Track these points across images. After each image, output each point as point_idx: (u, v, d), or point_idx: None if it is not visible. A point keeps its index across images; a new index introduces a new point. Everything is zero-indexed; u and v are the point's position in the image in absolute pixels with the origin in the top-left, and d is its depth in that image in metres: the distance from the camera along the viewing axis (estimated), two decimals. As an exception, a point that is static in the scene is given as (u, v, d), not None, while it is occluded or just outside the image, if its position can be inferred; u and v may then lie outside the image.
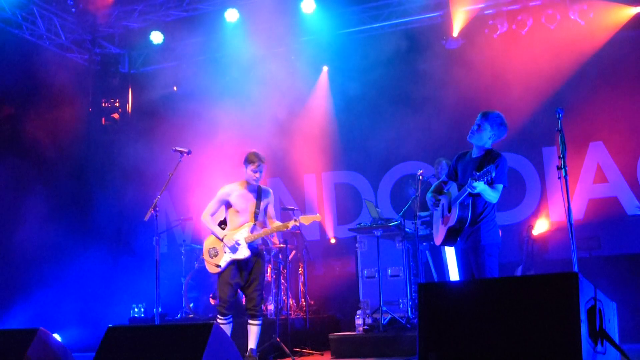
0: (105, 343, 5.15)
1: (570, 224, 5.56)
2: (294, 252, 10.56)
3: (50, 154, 11.74)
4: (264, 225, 7.56)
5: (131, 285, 11.34)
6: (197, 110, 11.58)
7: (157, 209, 6.97)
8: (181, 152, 7.22)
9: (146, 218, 7.03)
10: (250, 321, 7.49)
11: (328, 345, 8.80)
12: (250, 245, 7.34)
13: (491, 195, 5.86)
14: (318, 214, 7.63)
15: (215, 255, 7.44)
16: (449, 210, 6.12)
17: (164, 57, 12.44)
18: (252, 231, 7.39)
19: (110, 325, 5.27)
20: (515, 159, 11.14)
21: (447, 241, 6.17)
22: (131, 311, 11.12)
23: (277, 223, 7.58)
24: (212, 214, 7.56)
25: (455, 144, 10.88)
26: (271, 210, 7.66)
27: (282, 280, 10.09)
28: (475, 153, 6.35)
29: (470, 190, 5.71)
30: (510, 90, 10.69)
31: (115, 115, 12.31)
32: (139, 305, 11.12)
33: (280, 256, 10.19)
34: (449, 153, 10.24)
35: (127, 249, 12.27)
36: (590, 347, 3.93)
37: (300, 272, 10.66)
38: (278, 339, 8.85)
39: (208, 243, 7.58)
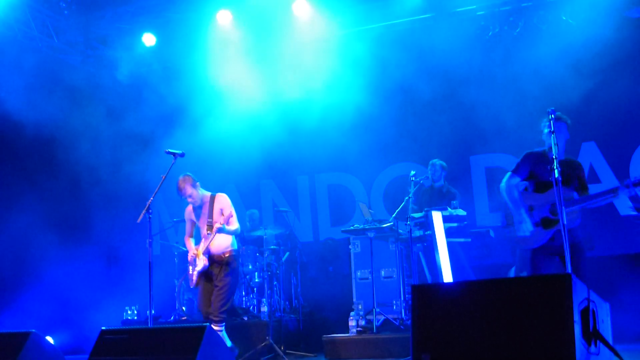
0: (98, 346, 5.14)
1: (563, 225, 5.56)
2: (287, 253, 10.56)
3: (42, 156, 11.70)
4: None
5: (124, 287, 11.31)
6: (191, 113, 11.57)
7: (150, 211, 6.96)
8: (174, 154, 7.20)
9: (139, 220, 7.02)
10: (212, 326, 7.32)
11: (321, 347, 8.80)
12: (207, 254, 7.77)
13: None
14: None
15: (192, 272, 7.95)
16: (553, 214, 6.17)
17: (157, 58, 12.41)
18: (205, 240, 7.85)
19: (103, 327, 5.26)
20: (508, 159, 11.12)
21: (551, 243, 6.26)
22: (124, 313, 11.08)
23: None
24: (189, 235, 8.14)
25: (448, 145, 10.97)
26: (226, 213, 7.81)
27: (276, 282, 10.08)
28: (558, 155, 6.21)
29: (626, 196, 5.92)
30: (502, 92, 10.72)
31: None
32: (132, 308, 11.08)
33: (274, 258, 10.19)
34: (441, 154, 10.29)
35: (120, 251, 12.24)
36: (583, 347, 3.94)
37: (293, 273, 10.65)
38: (271, 341, 8.85)
39: (190, 262, 8.06)
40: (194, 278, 7.84)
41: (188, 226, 8.11)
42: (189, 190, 7.82)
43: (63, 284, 11.27)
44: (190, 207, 8.04)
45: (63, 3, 11.30)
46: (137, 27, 11.90)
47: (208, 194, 7.98)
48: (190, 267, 7.97)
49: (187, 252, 10.86)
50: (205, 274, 7.83)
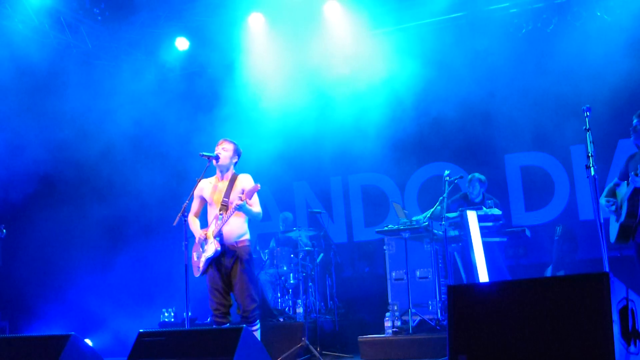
0: (136, 348, 5.19)
1: (600, 223, 5.51)
2: (321, 254, 10.57)
3: (79, 159, 11.83)
4: (240, 215, 6.90)
5: (161, 289, 11.41)
6: (223, 116, 11.63)
7: (186, 214, 6.97)
8: (209, 157, 7.17)
9: (175, 223, 7.03)
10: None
11: (357, 348, 8.79)
12: (220, 240, 6.79)
13: None
14: (257, 184, 6.68)
15: (198, 258, 6.97)
16: (621, 207, 6.16)
17: (190, 62, 12.52)
18: (217, 221, 6.84)
19: (141, 330, 5.31)
20: (543, 158, 11.07)
21: (620, 238, 6.25)
22: (161, 316, 11.18)
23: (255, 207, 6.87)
24: (194, 214, 7.16)
25: (482, 143, 10.90)
26: (253, 199, 6.85)
27: (311, 283, 10.11)
28: None
29: (634, 185, 5.92)
30: (536, 89, 10.65)
31: None
32: (169, 310, 11.17)
33: (308, 259, 10.22)
34: (475, 153, 10.24)
35: (156, 253, 12.35)
36: (623, 347, 3.90)
37: (328, 274, 10.66)
38: (307, 342, 8.87)
39: (194, 247, 7.11)
40: (201, 265, 6.84)
41: (196, 203, 7.12)
42: (230, 148, 7.09)
43: (101, 288, 11.41)
44: (203, 183, 7.08)
45: (97, 9, 11.44)
46: (170, 32, 12.01)
47: (232, 173, 7.12)
48: (195, 254, 7.00)
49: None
50: (216, 262, 6.87)
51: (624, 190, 6.24)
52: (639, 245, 6.15)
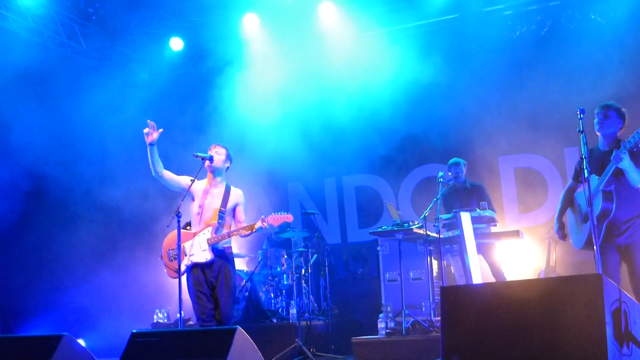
0: (129, 349, 5.17)
1: (594, 225, 5.51)
2: (315, 255, 10.57)
3: (72, 159, 11.79)
4: (230, 227, 7.00)
5: (154, 290, 11.38)
6: (218, 117, 11.62)
7: (180, 214, 6.94)
8: (203, 158, 7.14)
9: (168, 224, 7.01)
10: None
11: (350, 349, 8.79)
12: (214, 248, 6.78)
13: (635, 176, 5.82)
14: (290, 215, 6.97)
15: (175, 258, 6.84)
16: (589, 205, 6.06)
17: (184, 63, 12.50)
18: (215, 232, 6.83)
19: (134, 330, 5.29)
20: (537, 160, 11.08)
21: (589, 243, 5.94)
22: (154, 316, 11.15)
23: (244, 224, 6.95)
24: (166, 172, 7.02)
25: (476, 145, 10.91)
26: (240, 214, 7.05)
27: (304, 284, 10.09)
28: (604, 146, 6.23)
29: (616, 163, 5.74)
30: (530, 91, 10.66)
31: None
32: (162, 311, 11.14)
33: (302, 260, 10.21)
34: (469, 154, 10.25)
35: (149, 254, 12.31)
36: (615, 349, 3.90)
37: (321, 275, 10.66)
38: (300, 343, 8.86)
39: (168, 242, 7.05)
40: (183, 269, 6.75)
41: (180, 178, 7.05)
42: (223, 152, 7.09)
43: (94, 288, 11.37)
44: (196, 183, 6.98)
45: (91, 9, 11.42)
46: (164, 32, 11.99)
47: (225, 182, 7.13)
48: (170, 253, 6.93)
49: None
50: (202, 267, 6.80)
51: (594, 181, 6.04)
52: (619, 246, 6.09)
